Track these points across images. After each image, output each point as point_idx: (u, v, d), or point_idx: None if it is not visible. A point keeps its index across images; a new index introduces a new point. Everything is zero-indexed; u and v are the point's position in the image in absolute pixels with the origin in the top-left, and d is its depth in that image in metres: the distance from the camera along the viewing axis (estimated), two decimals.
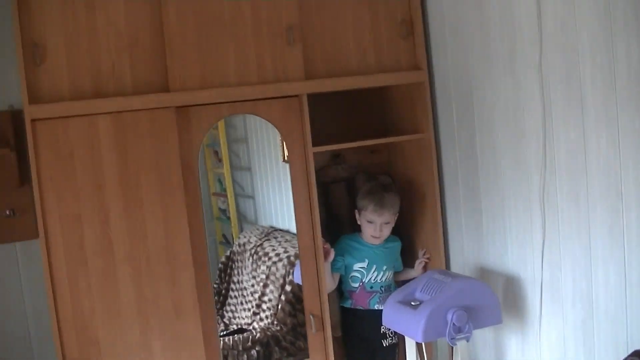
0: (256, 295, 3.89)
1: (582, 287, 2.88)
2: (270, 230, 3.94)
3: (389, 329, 3.74)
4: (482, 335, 3.54)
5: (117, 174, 3.16)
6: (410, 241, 3.95)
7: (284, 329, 3.74)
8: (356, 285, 3.74)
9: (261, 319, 3.84)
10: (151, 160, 3.21)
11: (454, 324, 3.02)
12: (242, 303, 3.94)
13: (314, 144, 3.48)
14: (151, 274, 3.23)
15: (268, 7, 3.39)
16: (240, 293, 3.96)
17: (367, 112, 4.05)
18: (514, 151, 3.18)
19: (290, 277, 3.74)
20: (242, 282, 3.97)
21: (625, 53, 2.52)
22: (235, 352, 3.68)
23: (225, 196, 3.97)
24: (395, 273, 3.83)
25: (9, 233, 3.40)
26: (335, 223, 3.92)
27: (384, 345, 3.80)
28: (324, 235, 3.60)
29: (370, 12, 3.61)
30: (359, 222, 3.74)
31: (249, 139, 3.92)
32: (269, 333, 3.76)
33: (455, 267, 3.73)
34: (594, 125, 2.70)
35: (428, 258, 3.75)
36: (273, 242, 3.89)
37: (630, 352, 2.57)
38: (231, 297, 3.99)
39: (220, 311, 3.93)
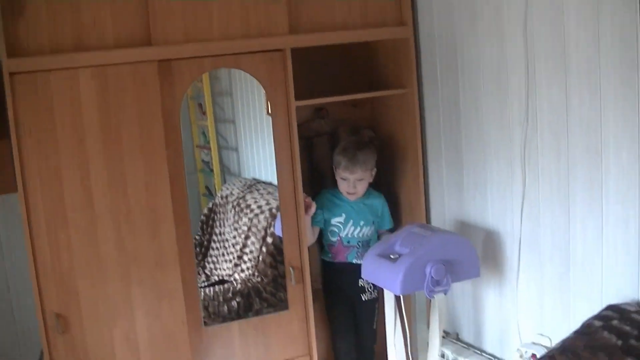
0: (237, 247, 3.90)
1: (560, 242, 2.92)
2: (252, 183, 3.93)
3: (369, 284, 3.78)
4: (461, 289, 3.58)
5: (98, 128, 3.13)
6: (391, 195, 3.97)
7: (265, 281, 3.76)
8: (334, 239, 3.80)
9: (242, 271, 3.85)
10: (133, 113, 3.18)
11: (432, 277, 3.05)
12: (223, 255, 3.95)
13: (297, 98, 3.47)
14: (131, 226, 3.23)
15: None
16: (221, 245, 3.96)
17: (352, 67, 4.02)
18: (496, 107, 3.19)
19: (272, 229, 3.75)
20: (224, 233, 3.97)
21: (610, 12, 2.52)
22: (216, 303, 3.70)
23: (209, 148, 3.95)
24: (388, 231, 3.86)
25: None
26: (317, 177, 3.93)
27: (363, 299, 3.85)
28: (305, 189, 3.61)
29: None
30: (336, 178, 3.77)
31: (234, 91, 3.89)
32: (249, 284, 3.78)
33: (435, 222, 3.75)
34: (577, 84, 2.71)
35: None
36: (255, 194, 3.88)
37: (604, 306, 2.62)
38: (213, 249, 3.99)
39: (202, 263, 3.93)
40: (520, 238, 3.12)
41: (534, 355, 3.00)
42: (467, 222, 3.49)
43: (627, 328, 2.37)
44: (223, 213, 3.96)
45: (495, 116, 3.20)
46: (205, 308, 3.60)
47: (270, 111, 3.51)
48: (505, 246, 3.25)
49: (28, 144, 3.04)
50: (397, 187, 3.95)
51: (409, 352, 3.38)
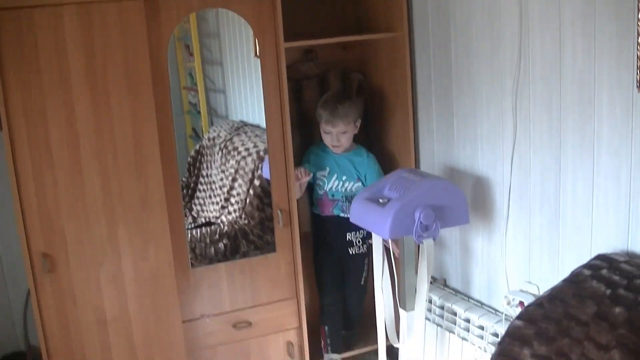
0: (225, 190, 3.88)
1: (550, 192, 2.91)
2: (240, 125, 3.90)
3: (357, 238, 3.81)
4: (449, 235, 3.59)
5: (83, 67, 3.07)
6: (381, 142, 3.96)
7: (252, 223, 3.76)
8: (321, 192, 3.84)
9: (229, 213, 3.85)
10: (118, 53, 3.12)
11: (421, 222, 3.03)
12: (210, 197, 3.94)
13: (286, 40, 3.42)
14: (118, 167, 3.20)
15: None
16: (208, 187, 3.95)
17: (342, 9, 3.97)
18: (488, 56, 3.14)
19: (259, 171, 3.73)
20: (211, 176, 3.95)
21: None
22: (203, 245, 3.70)
23: (196, 90, 3.90)
24: None
25: None
26: (305, 120, 3.91)
27: (351, 253, 3.89)
28: (294, 132, 3.63)
29: None
30: (321, 132, 3.78)
31: (221, 33, 3.83)
32: (236, 226, 3.78)
33: (425, 169, 3.73)
34: (571, 33, 2.67)
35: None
36: (243, 136, 3.85)
37: (593, 256, 2.63)
38: (199, 191, 3.98)
39: (189, 205, 3.92)
40: (510, 187, 3.11)
41: (521, 303, 3.01)
42: (456, 170, 3.47)
43: (616, 278, 2.38)
44: (210, 155, 3.94)
45: (487, 64, 3.15)
46: (192, 250, 3.61)
47: (258, 53, 3.47)
48: (494, 195, 3.24)
49: (12, 82, 2.98)
50: (386, 133, 3.93)
51: (397, 297, 3.39)
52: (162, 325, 3.43)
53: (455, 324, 3.40)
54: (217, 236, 3.75)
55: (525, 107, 2.96)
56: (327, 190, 3.81)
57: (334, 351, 4.00)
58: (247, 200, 3.78)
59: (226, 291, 3.64)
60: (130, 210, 3.26)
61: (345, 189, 3.79)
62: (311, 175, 3.73)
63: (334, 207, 3.82)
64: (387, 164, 3.92)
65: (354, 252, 3.88)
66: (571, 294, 2.44)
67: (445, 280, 3.71)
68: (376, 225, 3.16)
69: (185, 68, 3.89)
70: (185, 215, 3.65)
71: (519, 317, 2.58)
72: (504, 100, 3.07)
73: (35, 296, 3.18)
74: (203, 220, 3.91)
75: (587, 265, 2.55)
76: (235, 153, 3.85)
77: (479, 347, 3.25)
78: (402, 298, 3.38)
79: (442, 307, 3.50)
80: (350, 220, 3.38)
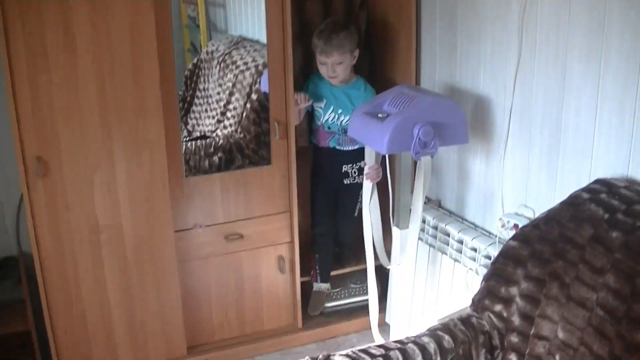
0: (221, 103, 3.85)
1: (552, 114, 2.87)
2: (239, 40, 3.84)
3: (352, 169, 3.82)
4: (446, 156, 3.57)
5: None
6: (383, 68, 3.92)
7: (248, 137, 3.73)
8: (318, 123, 3.81)
9: (225, 127, 3.81)
10: None
11: (420, 138, 3.00)
12: (206, 110, 3.90)
13: None
14: (114, 74, 3.15)
15: None
16: (205, 100, 3.91)
17: None
18: None
19: (257, 85, 3.69)
20: (207, 89, 3.91)
21: None
22: (198, 157, 3.68)
23: (195, 4, 3.83)
24: None
25: None
26: (306, 38, 3.83)
27: (345, 183, 3.88)
28: (294, 47, 3.58)
29: None
30: (317, 63, 3.73)
31: None
32: (232, 140, 3.75)
33: (425, 86, 3.69)
34: None
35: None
36: (242, 51, 3.80)
37: (592, 180, 2.61)
38: (196, 105, 3.94)
39: (184, 118, 3.88)
40: (511, 108, 3.07)
41: (515, 226, 3.01)
42: (457, 89, 3.43)
43: (615, 202, 2.37)
44: (208, 69, 3.89)
45: None
46: (187, 162, 3.58)
47: None
48: (495, 116, 3.21)
49: None
50: (388, 49, 3.87)
51: (391, 215, 3.38)
52: (154, 233, 3.43)
53: (448, 245, 3.41)
54: (212, 149, 3.72)
55: (532, 24, 2.89)
56: (324, 122, 3.78)
57: (322, 280, 4.03)
58: (244, 114, 3.75)
59: (219, 203, 3.63)
60: (124, 118, 3.23)
61: (341, 122, 3.75)
62: (311, 102, 3.70)
63: (330, 139, 3.80)
64: (388, 80, 3.87)
65: (348, 182, 3.87)
66: (568, 216, 2.43)
67: (440, 202, 3.70)
68: (374, 140, 3.13)
69: None
70: (181, 128, 3.61)
71: (514, 238, 2.58)
72: (510, 16, 3.00)
73: (28, 200, 3.16)
74: (198, 134, 3.88)
75: (586, 189, 2.54)
76: (234, 67, 3.81)
77: (471, 269, 3.26)
78: (396, 216, 3.38)
79: (435, 228, 3.50)
80: (348, 134, 3.36)
